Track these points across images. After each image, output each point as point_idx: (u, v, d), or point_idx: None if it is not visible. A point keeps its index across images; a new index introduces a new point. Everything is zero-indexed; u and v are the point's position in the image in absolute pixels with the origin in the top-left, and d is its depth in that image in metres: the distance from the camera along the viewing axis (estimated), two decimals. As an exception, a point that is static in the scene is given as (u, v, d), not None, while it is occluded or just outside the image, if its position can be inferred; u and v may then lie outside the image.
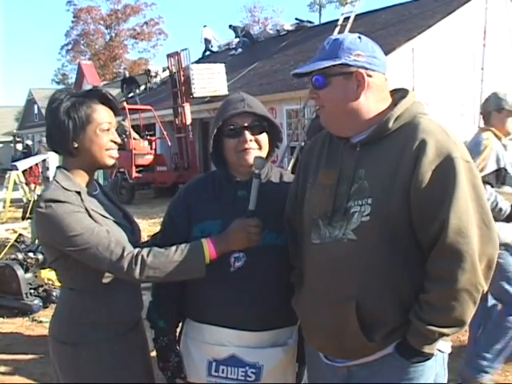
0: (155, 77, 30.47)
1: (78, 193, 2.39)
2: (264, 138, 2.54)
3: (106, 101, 2.49)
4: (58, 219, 2.27)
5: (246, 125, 2.49)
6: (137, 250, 2.30)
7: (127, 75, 27.99)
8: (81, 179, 2.47)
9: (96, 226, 2.31)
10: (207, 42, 30.79)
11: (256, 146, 2.51)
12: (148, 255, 2.28)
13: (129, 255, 2.27)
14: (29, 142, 33.30)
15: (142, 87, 29.74)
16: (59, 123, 2.38)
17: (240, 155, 2.52)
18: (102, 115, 2.44)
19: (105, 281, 2.39)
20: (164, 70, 30.64)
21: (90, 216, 2.34)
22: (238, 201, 2.56)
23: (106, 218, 2.43)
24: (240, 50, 29.04)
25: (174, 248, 2.33)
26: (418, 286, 2.07)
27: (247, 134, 2.49)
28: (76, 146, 2.41)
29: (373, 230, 2.08)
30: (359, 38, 2.20)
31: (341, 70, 2.15)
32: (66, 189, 2.37)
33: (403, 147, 2.06)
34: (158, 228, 2.61)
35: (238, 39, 30.24)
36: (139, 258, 2.27)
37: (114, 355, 2.44)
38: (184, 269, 2.33)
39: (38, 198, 2.41)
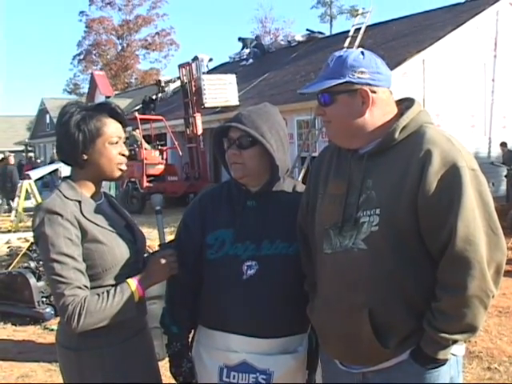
0: (167, 86, 30.34)
1: (79, 202, 2.43)
2: (249, 153, 2.54)
3: (115, 115, 2.54)
4: (43, 233, 2.33)
5: (234, 139, 2.55)
6: (78, 300, 2.29)
7: (147, 98, 27.78)
8: (86, 189, 2.51)
9: (70, 260, 2.32)
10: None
11: (240, 161, 2.54)
12: (83, 308, 2.29)
13: (71, 307, 2.28)
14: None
15: (153, 97, 29.67)
16: (69, 136, 2.43)
17: (231, 168, 2.60)
18: (112, 129, 2.49)
19: (106, 287, 2.42)
20: (174, 81, 30.59)
21: (82, 228, 2.37)
22: (247, 210, 2.60)
23: (103, 228, 2.46)
24: (251, 60, 29.05)
25: (105, 295, 2.36)
26: (428, 293, 2.10)
27: (232, 148, 2.55)
28: (85, 158, 2.46)
29: (382, 240, 2.11)
30: (362, 53, 2.23)
31: (345, 88, 2.18)
32: (67, 197, 2.42)
33: (409, 157, 2.10)
34: (168, 237, 2.64)
35: (248, 50, 30.26)
36: (77, 310, 2.28)
37: (116, 361, 2.47)
38: (117, 312, 2.37)
39: (37, 205, 2.46)
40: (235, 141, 2.54)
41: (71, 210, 2.38)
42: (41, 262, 7.53)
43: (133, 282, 2.43)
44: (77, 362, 2.46)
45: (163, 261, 2.50)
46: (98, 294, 2.36)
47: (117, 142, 2.51)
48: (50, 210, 2.35)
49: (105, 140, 2.47)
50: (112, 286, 2.43)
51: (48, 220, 2.33)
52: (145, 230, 2.80)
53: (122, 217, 2.68)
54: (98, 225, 2.44)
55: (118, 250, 2.46)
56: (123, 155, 2.55)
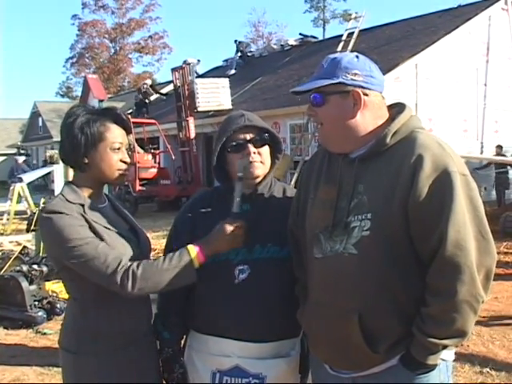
0: (151, 95, 29.58)
1: (82, 205, 2.43)
2: (266, 150, 2.59)
3: (120, 121, 2.54)
4: (57, 231, 2.32)
5: (248, 138, 2.54)
6: (129, 263, 2.32)
7: (138, 99, 27.46)
8: (88, 193, 2.51)
9: (95, 239, 2.34)
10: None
11: (259, 159, 2.56)
12: (138, 268, 2.30)
13: (122, 269, 2.29)
14: None
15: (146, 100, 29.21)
16: (72, 137, 2.44)
17: (246, 168, 2.56)
18: (115, 134, 2.50)
19: (107, 292, 2.39)
20: (153, 83, 30.08)
21: (91, 228, 2.38)
22: (242, 214, 2.59)
23: (109, 229, 2.46)
24: (233, 70, 28.18)
25: (162, 258, 2.36)
26: (418, 298, 2.10)
27: (250, 147, 2.54)
28: (86, 161, 2.46)
29: (373, 244, 2.12)
30: (357, 57, 2.24)
31: (338, 88, 2.19)
32: (70, 201, 2.42)
33: (401, 162, 2.10)
34: (161, 241, 2.64)
35: (238, 55, 29.96)
36: (130, 271, 2.29)
37: (112, 368, 2.46)
38: (175, 277, 2.35)
39: (40, 210, 2.46)
40: (249, 140, 2.54)
41: (75, 210, 2.39)
42: (33, 266, 7.52)
43: (193, 248, 2.40)
44: (74, 365, 2.47)
45: (230, 229, 2.43)
46: (154, 259, 2.36)
47: (119, 148, 2.51)
48: (55, 211, 2.35)
49: (106, 145, 2.47)
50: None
51: (57, 218, 2.33)
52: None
53: (125, 220, 2.68)
54: (103, 227, 2.44)
55: (120, 249, 2.43)
56: (124, 162, 2.54)
